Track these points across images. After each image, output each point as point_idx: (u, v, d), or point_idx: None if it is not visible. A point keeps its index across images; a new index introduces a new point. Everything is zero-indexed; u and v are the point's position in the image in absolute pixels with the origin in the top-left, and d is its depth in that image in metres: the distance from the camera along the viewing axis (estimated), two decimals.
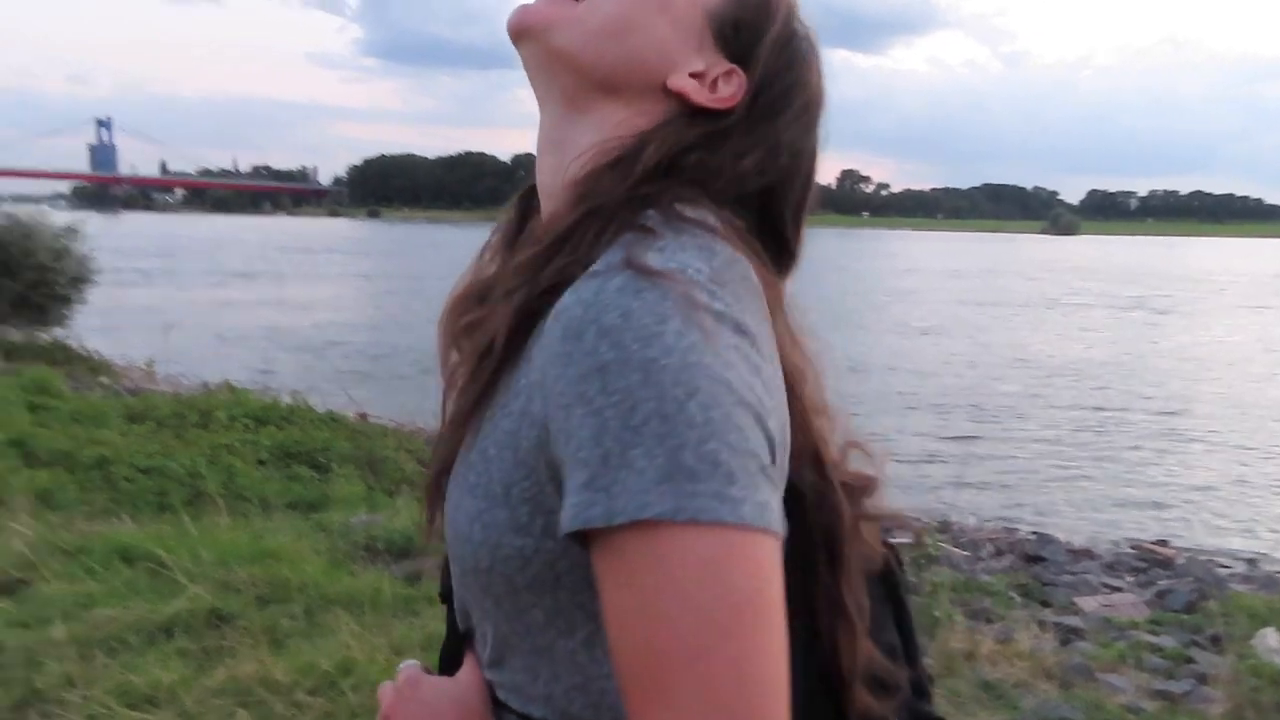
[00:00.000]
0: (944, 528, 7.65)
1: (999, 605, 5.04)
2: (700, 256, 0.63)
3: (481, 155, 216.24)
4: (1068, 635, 4.87)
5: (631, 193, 0.68)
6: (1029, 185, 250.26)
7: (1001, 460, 11.60)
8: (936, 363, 19.12)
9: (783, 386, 0.65)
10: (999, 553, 7.13)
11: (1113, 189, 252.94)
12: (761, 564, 0.55)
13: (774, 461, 0.59)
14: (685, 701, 0.52)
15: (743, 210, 0.73)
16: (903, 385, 16.50)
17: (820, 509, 0.71)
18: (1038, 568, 6.79)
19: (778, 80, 0.76)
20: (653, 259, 0.60)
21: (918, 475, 10.52)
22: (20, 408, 6.86)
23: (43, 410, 6.99)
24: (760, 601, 0.54)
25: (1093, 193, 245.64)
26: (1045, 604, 5.70)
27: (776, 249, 0.77)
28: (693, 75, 0.73)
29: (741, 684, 0.53)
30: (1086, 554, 7.55)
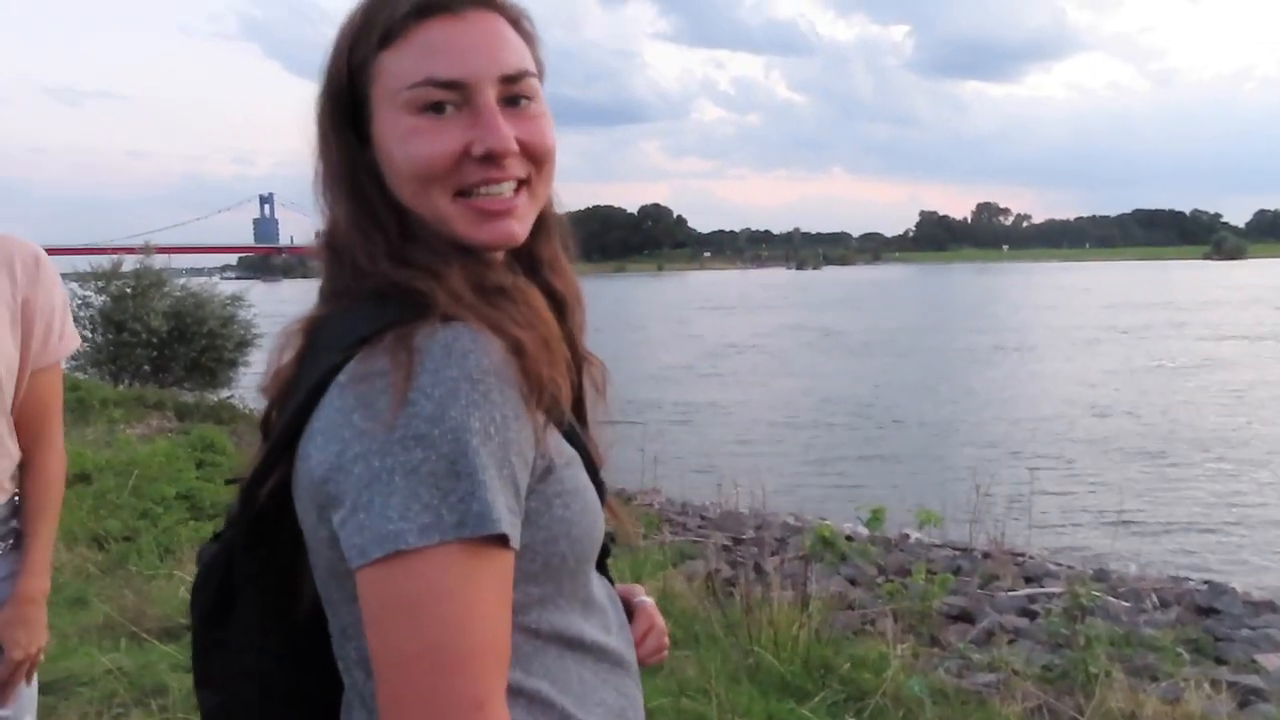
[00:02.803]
0: (1100, 576, 7.15)
1: (1166, 662, 4.66)
2: None
3: (609, 209, 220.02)
4: (1247, 696, 4.46)
5: None
6: (1187, 209, 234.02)
7: (1170, 505, 10.81)
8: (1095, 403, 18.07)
9: None
10: (1164, 604, 6.58)
11: None
12: None
13: None
14: None
15: None
16: (1057, 426, 15.70)
17: None
18: (1210, 621, 6.23)
19: None
20: None
21: (1072, 521, 9.93)
22: (189, 464, 7.38)
23: (209, 466, 7.49)
24: None
25: (1261, 213, 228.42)
26: (1220, 661, 5.24)
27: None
28: None
29: None
30: (1268, 607, 6.88)
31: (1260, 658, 5.30)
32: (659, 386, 20.70)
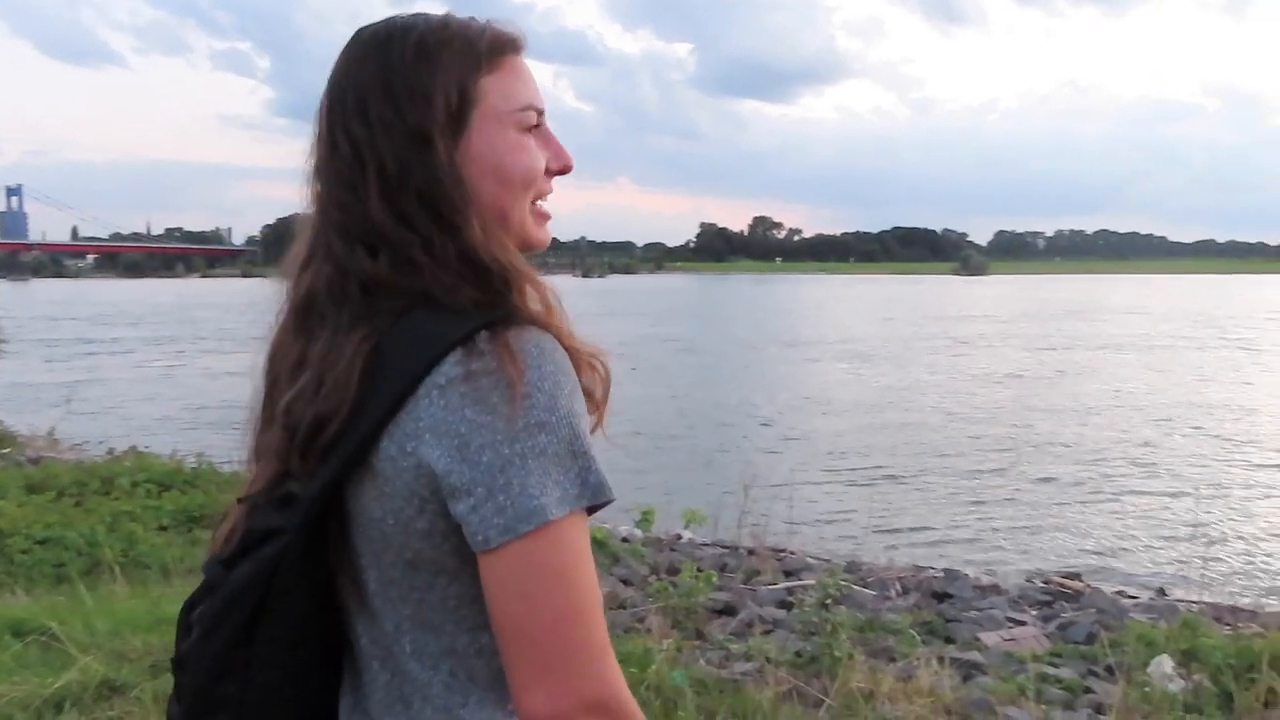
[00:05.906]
0: (852, 568, 7.72)
1: (902, 644, 5.13)
2: None
3: None
4: (969, 671, 4.95)
5: None
6: (938, 228, 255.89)
7: (919, 501, 11.79)
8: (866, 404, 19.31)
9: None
10: (905, 591, 7.20)
11: (1020, 229, 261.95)
12: None
13: None
14: None
15: None
16: (826, 427, 16.77)
17: None
18: (943, 605, 6.88)
19: None
20: None
21: (833, 517, 10.65)
22: None
23: None
24: None
25: (1001, 233, 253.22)
26: (948, 640, 5.79)
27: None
28: None
29: None
30: (994, 590, 7.67)
31: (982, 635, 5.95)
32: None
